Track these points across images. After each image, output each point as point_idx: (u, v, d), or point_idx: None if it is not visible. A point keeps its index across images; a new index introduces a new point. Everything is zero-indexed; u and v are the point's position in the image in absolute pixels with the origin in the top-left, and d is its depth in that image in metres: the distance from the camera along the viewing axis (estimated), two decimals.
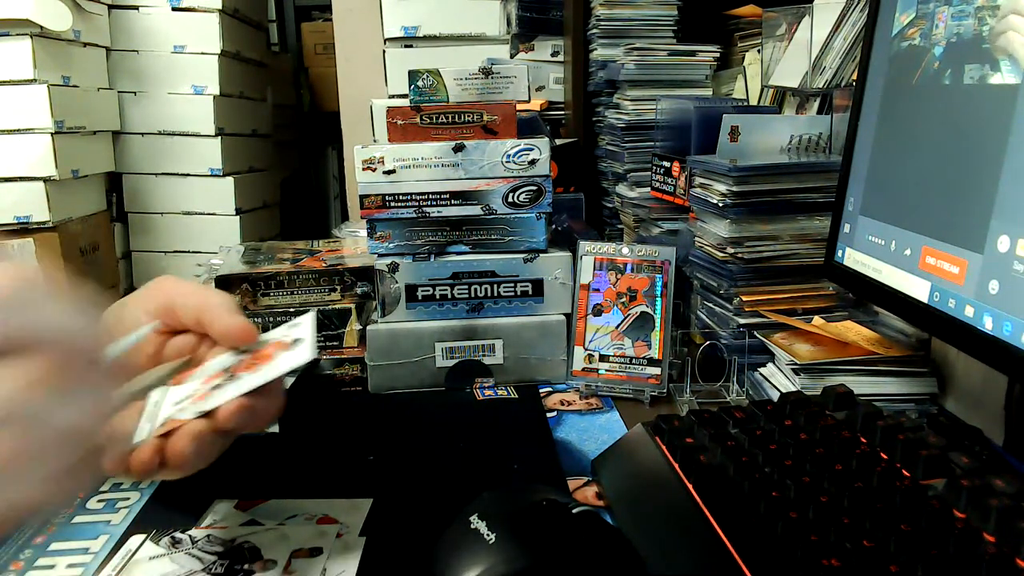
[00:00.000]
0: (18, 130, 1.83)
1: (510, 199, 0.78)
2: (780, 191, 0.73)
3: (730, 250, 0.74)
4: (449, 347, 0.78)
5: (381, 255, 0.79)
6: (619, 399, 0.75)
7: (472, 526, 0.42)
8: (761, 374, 0.70)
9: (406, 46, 1.67)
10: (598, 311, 0.78)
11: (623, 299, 0.77)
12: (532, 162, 0.77)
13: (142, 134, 2.21)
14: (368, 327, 0.78)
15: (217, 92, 2.21)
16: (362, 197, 0.78)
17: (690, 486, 0.48)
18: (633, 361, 0.76)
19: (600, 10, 1.23)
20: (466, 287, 0.78)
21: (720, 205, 0.74)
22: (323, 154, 3.11)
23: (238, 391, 0.43)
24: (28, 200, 1.85)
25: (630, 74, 1.13)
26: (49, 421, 0.29)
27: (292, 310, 0.79)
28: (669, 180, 0.94)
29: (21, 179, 1.85)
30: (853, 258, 0.63)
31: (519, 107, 0.80)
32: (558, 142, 1.27)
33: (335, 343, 0.80)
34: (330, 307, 0.80)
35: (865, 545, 0.38)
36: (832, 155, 0.81)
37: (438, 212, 0.78)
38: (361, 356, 0.79)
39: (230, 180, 2.26)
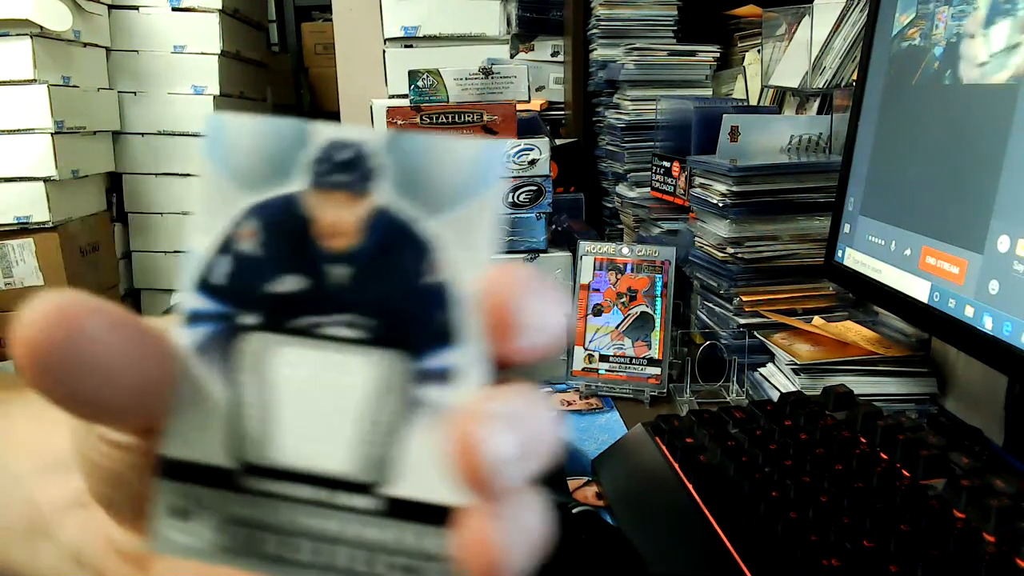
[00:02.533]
0: (18, 130, 1.84)
1: (510, 199, 0.78)
2: (780, 191, 0.73)
3: (730, 250, 0.74)
4: None
5: None
6: (619, 399, 0.75)
7: None
8: (761, 374, 0.70)
9: (406, 46, 1.67)
10: (598, 311, 0.78)
11: (623, 299, 0.77)
12: (532, 162, 0.77)
13: (142, 134, 2.21)
14: None
15: (217, 92, 2.21)
16: None
17: (690, 486, 0.48)
18: (633, 361, 0.76)
19: (600, 10, 1.23)
20: None
21: (720, 205, 0.74)
22: None
23: None
24: (28, 200, 1.85)
25: (630, 74, 1.13)
26: None
27: None
28: (669, 180, 0.94)
29: (21, 179, 1.85)
30: (853, 258, 0.63)
31: (519, 107, 0.80)
32: (558, 142, 1.27)
33: None
34: None
35: (865, 545, 0.38)
36: (832, 155, 0.81)
37: None
38: None
39: None
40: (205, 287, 0.17)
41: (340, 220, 0.17)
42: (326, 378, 0.17)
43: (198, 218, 0.17)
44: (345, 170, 0.17)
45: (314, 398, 0.17)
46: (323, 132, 0.17)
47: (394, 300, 0.17)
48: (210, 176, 0.17)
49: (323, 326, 0.17)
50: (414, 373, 0.17)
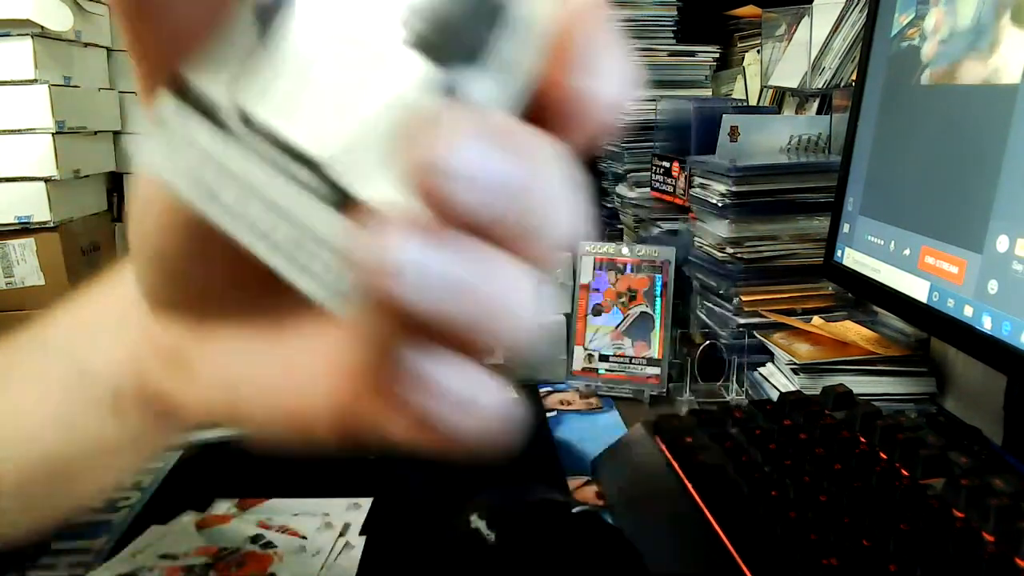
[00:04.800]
0: (19, 130, 1.84)
1: None
2: (780, 191, 0.74)
3: (730, 250, 0.74)
4: None
5: None
6: (619, 399, 0.75)
7: (472, 526, 0.43)
8: (761, 374, 0.70)
9: None
10: (598, 311, 0.78)
11: (623, 299, 0.77)
12: None
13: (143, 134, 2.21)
14: None
15: None
16: None
17: (690, 486, 0.48)
18: (633, 361, 0.76)
19: None
20: None
21: (720, 205, 0.74)
22: None
23: None
24: (29, 200, 1.86)
25: None
26: None
27: None
28: (669, 180, 0.94)
29: (22, 179, 1.85)
30: (852, 258, 0.63)
31: None
32: None
33: None
34: None
35: (864, 545, 0.38)
36: (831, 155, 0.81)
37: None
38: None
39: None
40: None
41: None
42: (354, 62, 0.15)
43: None
44: None
45: (332, 77, 0.15)
46: None
47: (450, 8, 0.15)
48: None
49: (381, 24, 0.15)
50: (435, 84, 0.15)
